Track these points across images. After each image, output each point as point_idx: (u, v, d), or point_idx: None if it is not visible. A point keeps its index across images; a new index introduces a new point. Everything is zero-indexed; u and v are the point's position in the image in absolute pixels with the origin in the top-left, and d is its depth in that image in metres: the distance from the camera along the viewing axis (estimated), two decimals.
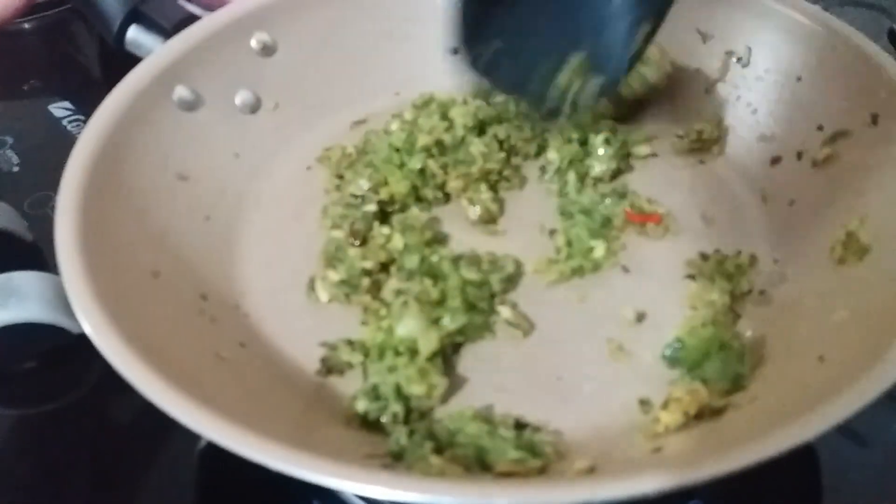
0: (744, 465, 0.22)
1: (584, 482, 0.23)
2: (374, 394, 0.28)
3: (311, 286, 0.33)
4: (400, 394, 0.28)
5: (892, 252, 0.29)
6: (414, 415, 0.28)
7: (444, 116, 0.38)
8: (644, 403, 0.29)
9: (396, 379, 0.28)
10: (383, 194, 0.35)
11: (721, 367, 0.29)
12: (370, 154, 0.37)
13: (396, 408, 0.28)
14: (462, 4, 0.32)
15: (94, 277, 0.27)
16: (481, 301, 0.31)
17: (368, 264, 0.32)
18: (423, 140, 0.36)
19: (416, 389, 0.28)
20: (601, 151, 0.37)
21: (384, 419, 0.28)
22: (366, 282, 0.32)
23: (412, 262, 0.32)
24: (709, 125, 0.38)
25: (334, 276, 0.32)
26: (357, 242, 0.34)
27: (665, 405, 0.28)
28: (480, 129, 0.38)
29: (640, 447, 0.26)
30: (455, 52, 0.34)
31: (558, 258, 0.34)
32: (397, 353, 0.29)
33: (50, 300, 0.32)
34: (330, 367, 0.30)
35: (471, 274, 0.31)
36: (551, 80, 0.34)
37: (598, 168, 0.37)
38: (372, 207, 0.35)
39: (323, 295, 0.33)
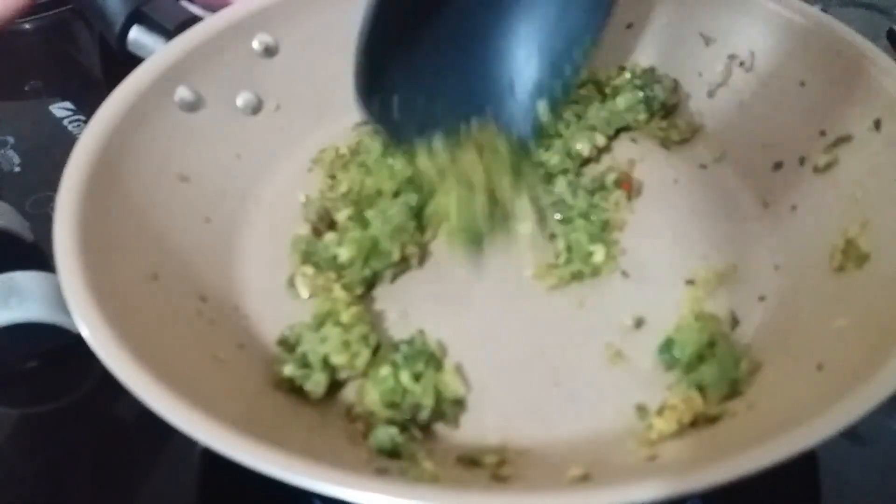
0: (741, 473, 0.22)
1: (578, 490, 0.23)
2: (303, 361, 0.29)
3: (291, 283, 0.33)
4: (326, 364, 0.29)
5: (891, 260, 0.29)
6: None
7: None
8: (641, 409, 0.29)
9: (325, 349, 0.29)
10: (368, 188, 0.35)
11: (717, 371, 0.29)
12: (363, 154, 0.37)
13: (320, 377, 0.29)
14: (360, 55, 0.30)
15: (93, 279, 0.27)
16: None
17: (343, 255, 0.32)
18: None
19: (339, 359, 0.29)
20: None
21: (308, 387, 0.29)
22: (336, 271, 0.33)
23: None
24: (711, 130, 0.38)
25: (309, 269, 0.33)
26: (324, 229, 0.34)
27: (660, 412, 0.28)
28: None
29: (635, 454, 0.26)
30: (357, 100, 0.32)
31: (558, 263, 0.33)
32: (335, 324, 0.30)
33: (51, 300, 0.32)
34: (283, 341, 0.31)
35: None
36: (451, 137, 0.33)
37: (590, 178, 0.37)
38: (345, 213, 0.34)
39: (303, 291, 0.33)
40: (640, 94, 0.39)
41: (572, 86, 0.34)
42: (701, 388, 0.28)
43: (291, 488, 0.22)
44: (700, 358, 0.29)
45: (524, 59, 0.33)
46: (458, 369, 0.30)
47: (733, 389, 0.28)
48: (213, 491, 0.31)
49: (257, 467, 0.23)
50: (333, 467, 0.22)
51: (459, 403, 0.29)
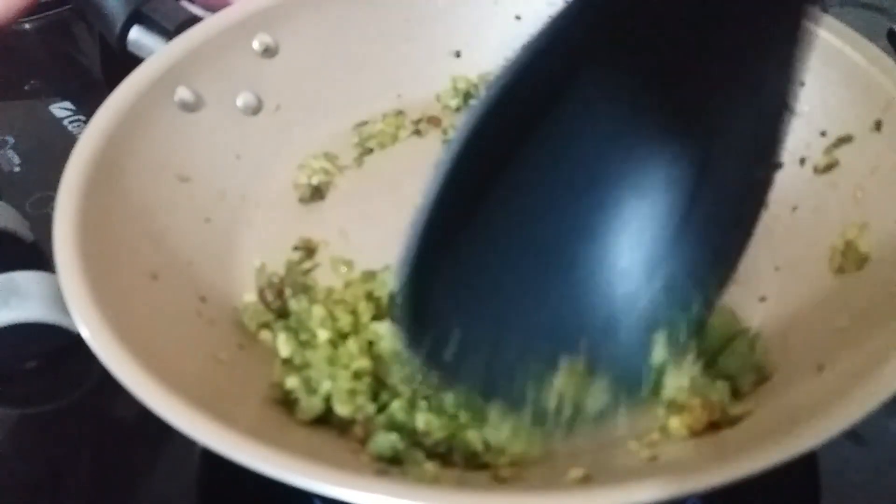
0: (741, 475, 0.22)
1: (578, 491, 0.23)
2: (309, 386, 0.28)
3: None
4: (328, 399, 0.28)
5: (891, 261, 0.29)
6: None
7: None
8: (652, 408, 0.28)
9: (330, 388, 0.28)
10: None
11: (738, 358, 0.28)
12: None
13: (317, 404, 0.28)
14: (408, 280, 0.22)
15: (92, 279, 0.27)
16: None
17: (325, 334, 0.30)
18: None
19: (342, 410, 0.28)
20: None
21: (303, 404, 0.28)
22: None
23: None
24: None
25: (283, 334, 0.31)
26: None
27: (679, 410, 0.27)
28: None
29: (636, 455, 0.26)
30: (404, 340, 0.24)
31: None
32: (344, 367, 0.29)
33: (51, 300, 0.32)
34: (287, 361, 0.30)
35: None
36: (535, 386, 0.24)
37: None
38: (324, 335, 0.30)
39: (284, 350, 0.30)
40: None
41: (699, 322, 0.25)
42: (728, 379, 0.28)
43: (292, 488, 0.22)
44: (718, 351, 0.29)
45: (631, 284, 0.24)
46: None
47: (761, 374, 0.28)
48: (213, 491, 0.31)
49: (258, 468, 0.23)
50: (335, 468, 0.22)
51: None
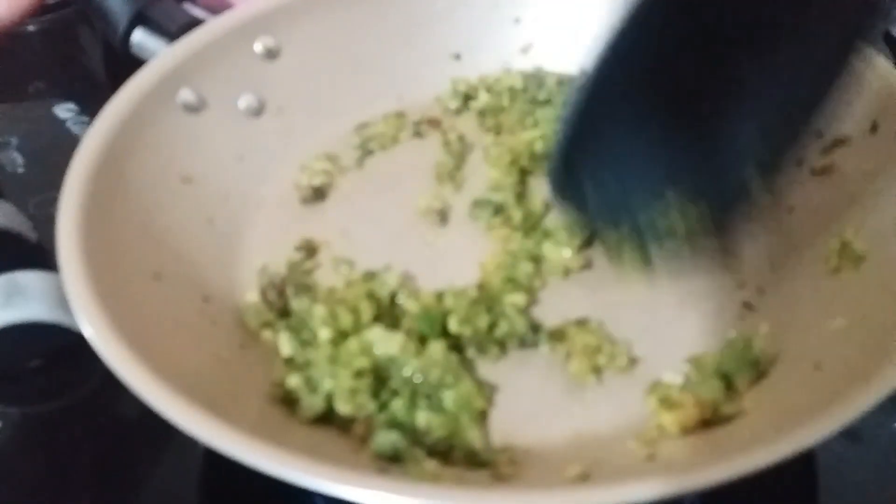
0: (739, 473, 0.22)
1: (576, 489, 0.24)
2: (311, 385, 0.29)
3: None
4: (328, 397, 0.28)
5: (886, 261, 0.29)
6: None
7: None
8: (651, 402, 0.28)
9: (332, 387, 0.28)
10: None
11: (735, 355, 0.29)
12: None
13: (319, 403, 0.28)
14: (560, 154, 0.28)
15: (96, 279, 0.28)
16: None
17: (326, 333, 0.30)
18: None
19: (343, 408, 0.28)
20: None
21: (304, 403, 0.28)
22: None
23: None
24: None
25: (286, 335, 0.31)
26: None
27: (672, 407, 0.28)
28: None
29: (635, 453, 0.27)
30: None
31: None
32: (345, 366, 0.29)
33: (54, 300, 0.32)
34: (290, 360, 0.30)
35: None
36: (645, 214, 0.28)
37: None
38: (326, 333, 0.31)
39: (286, 348, 0.31)
40: None
41: (790, 150, 0.29)
42: (726, 378, 0.28)
43: (293, 486, 0.23)
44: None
45: (731, 128, 0.28)
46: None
47: (757, 371, 0.28)
48: (215, 490, 0.31)
49: (260, 467, 0.23)
50: (336, 466, 0.22)
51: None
